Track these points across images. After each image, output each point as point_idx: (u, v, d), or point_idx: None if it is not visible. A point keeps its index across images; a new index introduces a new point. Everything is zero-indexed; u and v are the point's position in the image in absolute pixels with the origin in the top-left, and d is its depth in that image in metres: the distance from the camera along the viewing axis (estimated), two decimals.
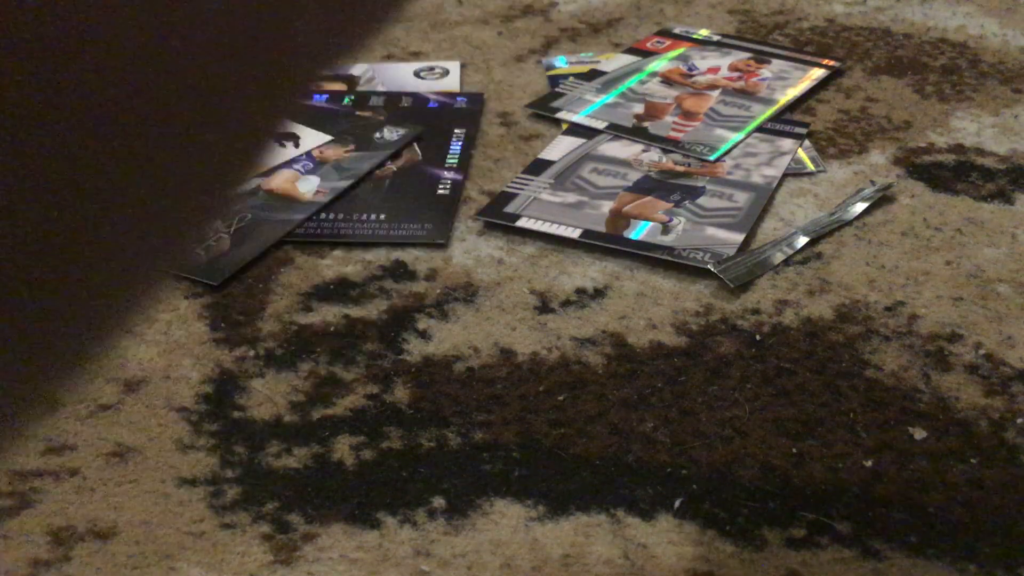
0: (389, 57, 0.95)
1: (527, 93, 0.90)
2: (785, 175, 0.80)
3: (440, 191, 0.78)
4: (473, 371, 0.63)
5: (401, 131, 0.84)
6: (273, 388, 0.62)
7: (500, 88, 0.91)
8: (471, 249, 0.73)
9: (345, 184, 0.78)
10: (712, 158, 0.81)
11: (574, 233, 0.73)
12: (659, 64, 0.93)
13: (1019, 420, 0.61)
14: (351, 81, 0.92)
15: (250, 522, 0.54)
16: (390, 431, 0.59)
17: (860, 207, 0.76)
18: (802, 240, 0.73)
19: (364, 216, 0.75)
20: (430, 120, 0.86)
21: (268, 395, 0.62)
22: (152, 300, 0.25)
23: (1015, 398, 0.62)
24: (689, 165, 0.81)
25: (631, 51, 0.95)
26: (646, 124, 0.85)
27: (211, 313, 0.67)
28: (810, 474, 0.57)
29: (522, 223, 0.74)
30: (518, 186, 0.78)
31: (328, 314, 0.67)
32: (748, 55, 0.94)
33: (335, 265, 0.71)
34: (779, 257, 0.72)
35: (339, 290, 0.69)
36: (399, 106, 0.88)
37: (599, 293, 0.69)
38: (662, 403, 0.61)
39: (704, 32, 0.98)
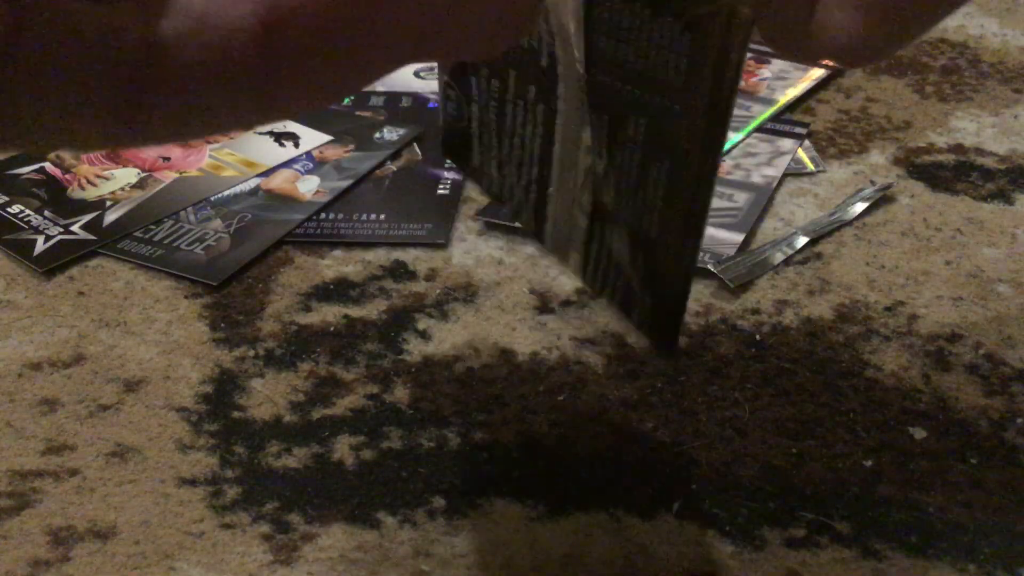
0: None
1: None
2: (785, 175, 0.80)
3: (440, 191, 0.78)
4: (473, 371, 0.63)
5: (401, 131, 0.84)
6: (273, 388, 0.62)
7: None
8: (471, 249, 0.73)
9: (345, 184, 0.78)
10: None
11: None
12: None
13: (1019, 420, 0.61)
14: None
15: (250, 522, 0.54)
16: (390, 431, 0.59)
17: (860, 207, 0.76)
18: (802, 240, 0.73)
19: (364, 216, 0.75)
20: (430, 120, 0.86)
21: (268, 395, 0.62)
22: None
23: (1015, 398, 0.62)
24: None
25: None
26: None
27: (211, 313, 0.67)
28: (810, 474, 0.57)
29: None
30: None
31: (328, 314, 0.67)
32: (748, 55, 0.94)
33: (335, 265, 0.71)
34: (779, 257, 0.72)
35: (339, 290, 0.69)
36: (399, 106, 0.88)
37: None
38: (662, 403, 0.61)
39: None
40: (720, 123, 0.43)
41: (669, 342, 0.51)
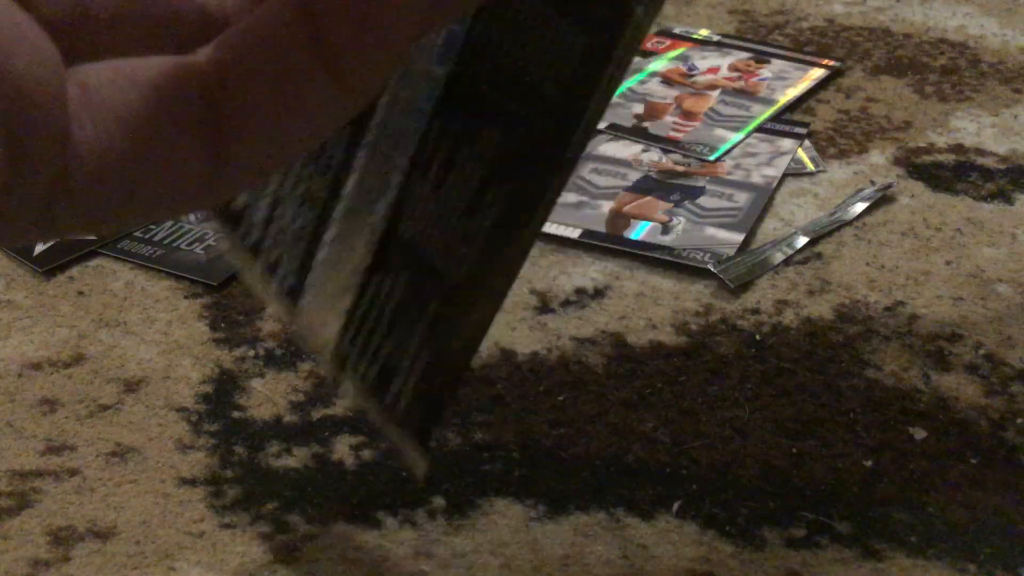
0: None
1: None
2: (785, 175, 0.80)
3: None
4: (473, 371, 0.63)
5: None
6: (273, 388, 0.62)
7: None
8: None
9: None
10: (712, 158, 0.81)
11: (574, 233, 0.73)
12: (659, 64, 0.93)
13: (1019, 420, 0.61)
14: None
15: (250, 522, 0.54)
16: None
17: (860, 207, 0.76)
18: (802, 240, 0.73)
19: None
20: None
21: (268, 395, 0.62)
22: None
23: (1015, 398, 0.62)
24: (689, 165, 0.81)
25: None
26: (646, 124, 0.85)
27: (211, 313, 0.67)
28: (810, 474, 0.57)
29: None
30: None
31: None
32: (748, 55, 0.94)
33: None
34: (779, 257, 0.72)
35: None
36: None
37: (599, 293, 0.69)
38: (662, 403, 0.61)
39: (704, 32, 0.98)
40: (578, 142, 0.40)
41: (427, 426, 0.45)
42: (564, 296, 0.69)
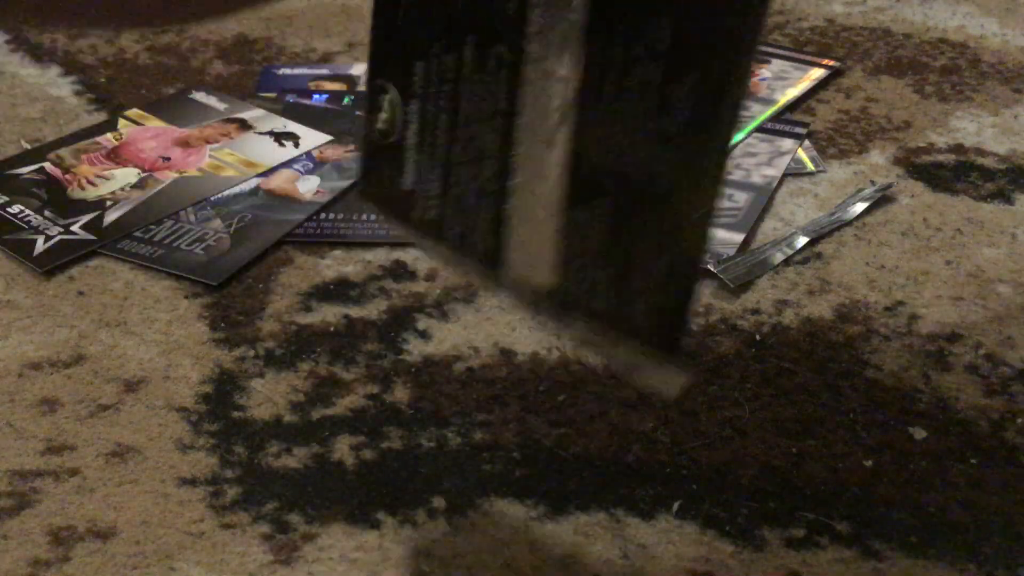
0: None
1: None
2: (785, 175, 0.80)
3: None
4: (473, 371, 0.63)
5: None
6: (273, 388, 0.62)
7: None
8: None
9: (345, 184, 0.78)
10: None
11: None
12: None
13: (1019, 420, 0.61)
14: (351, 81, 0.92)
15: (250, 522, 0.54)
16: (390, 431, 0.59)
17: (860, 207, 0.76)
18: (802, 240, 0.73)
19: (364, 216, 0.75)
20: None
21: (268, 395, 0.62)
22: None
23: (1015, 398, 0.62)
24: None
25: None
26: None
27: (211, 313, 0.67)
28: (810, 474, 0.57)
29: None
30: None
31: (328, 314, 0.67)
32: None
33: (335, 265, 0.71)
34: (779, 257, 0.72)
35: (339, 290, 0.69)
36: None
37: None
38: (662, 403, 0.61)
39: None
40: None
41: (676, 335, 0.44)
42: None
